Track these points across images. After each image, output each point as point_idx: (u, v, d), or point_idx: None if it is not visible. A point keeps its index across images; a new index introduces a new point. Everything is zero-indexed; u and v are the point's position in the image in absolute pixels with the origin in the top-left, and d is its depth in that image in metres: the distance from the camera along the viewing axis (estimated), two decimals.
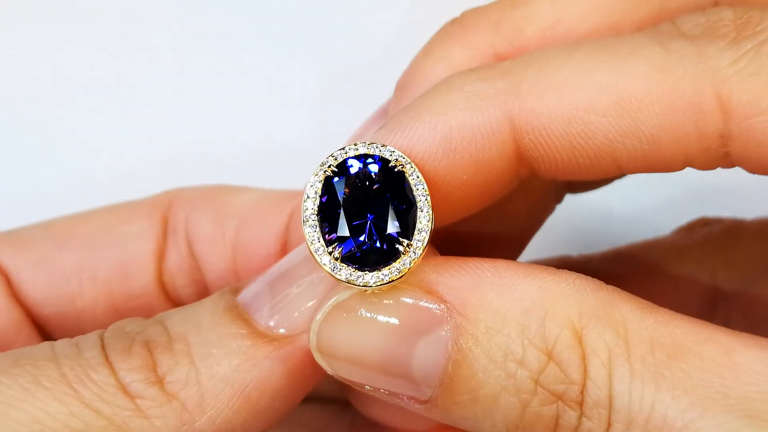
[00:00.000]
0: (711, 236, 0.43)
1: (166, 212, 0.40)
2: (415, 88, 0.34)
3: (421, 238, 0.29)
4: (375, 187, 0.29)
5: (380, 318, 0.29)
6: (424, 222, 0.30)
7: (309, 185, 0.29)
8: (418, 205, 0.30)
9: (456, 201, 0.31)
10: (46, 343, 0.31)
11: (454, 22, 0.35)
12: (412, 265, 0.29)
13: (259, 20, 0.60)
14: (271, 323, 0.31)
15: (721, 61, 0.28)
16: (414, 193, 0.30)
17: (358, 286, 0.29)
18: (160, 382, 0.29)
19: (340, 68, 0.59)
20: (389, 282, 0.29)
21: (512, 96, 0.29)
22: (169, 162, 0.57)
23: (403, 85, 0.35)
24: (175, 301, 0.40)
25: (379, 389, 0.30)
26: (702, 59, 0.28)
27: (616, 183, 0.40)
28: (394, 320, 0.29)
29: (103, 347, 0.30)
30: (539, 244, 0.41)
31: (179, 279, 0.40)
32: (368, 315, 0.29)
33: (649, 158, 0.29)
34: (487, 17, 0.34)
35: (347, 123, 0.38)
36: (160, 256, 0.39)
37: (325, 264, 0.29)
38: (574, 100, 0.29)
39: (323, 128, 0.57)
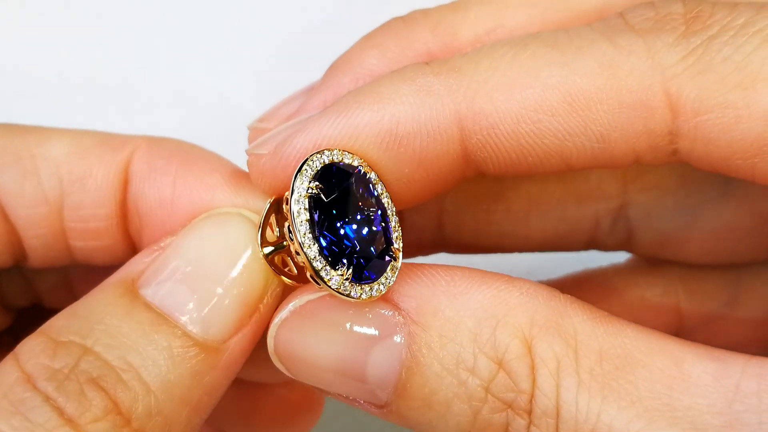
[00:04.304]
0: (674, 269, 0.42)
1: None
2: (344, 69, 0.34)
3: (399, 244, 0.30)
4: (354, 198, 0.30)
5: (335, 323, 0.29)
6: (396, 227, 0.31)
7: (296, 209, 0.29)
8: (388, 211, 0.30)
9: (396, 193, 0.31)
10: None
11: (398, 18, 0.36)
12: (399, 267, 0.30)
13: None
14: (205, 331, 0.30)
15: (669, 58, 0.28)
16: (382, 200, 0.30)
17: (362, 299, 0.29)
18: (128, 423, 0.28)
19: (284, 35, 0.61)
20: (386, 290, 0.29)
21: (461, 95, 0.30)
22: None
23: (334, 67, 0.35)
24: None
25: (336, 393, 0.30)
26: (650, 55, 0.28)
27: None
28: (348, 326, 0.29)
29: (49, 401, 0.27)
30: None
31: None
32: (324, 320, 0.29)
33: (599, 156, 0.30)
34: (429, 17, 0.35)
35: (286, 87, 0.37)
36: None
37: (333, 285, 0.29)
38: (522, 99, 0.29)
39: (264, 89, 0.57)
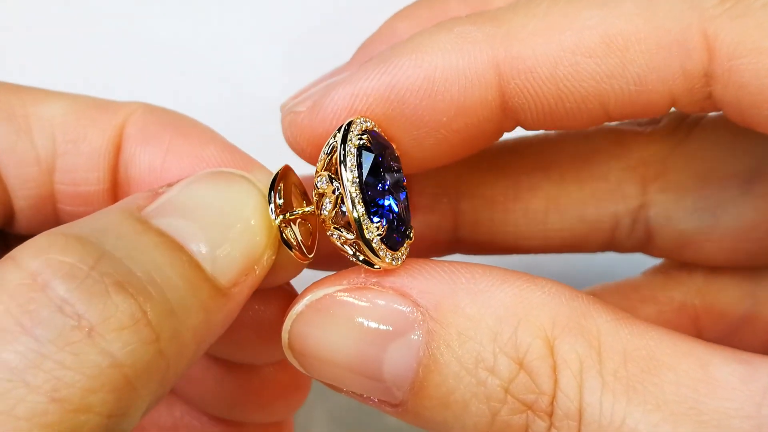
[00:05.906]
0: (690, 281, 0.42)
1: None
2: (377, 40, 0.34)
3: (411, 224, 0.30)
4: (390, 164, 0.29)
5: (352, 318, 0.28)
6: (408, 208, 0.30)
7: (348, 162, 0.28)
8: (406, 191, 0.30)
9: (432, 145, 0.31)
10: None
11: None
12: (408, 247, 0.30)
13: None
14: (213, 270, 0.28)
15: (708, 1, 0.28)
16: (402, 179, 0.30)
17: (384, 264, 0.28)
18: (157, 339, 0.24)
19: (285, 36, 0.61)
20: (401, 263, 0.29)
21: (498, 40, 0.29)
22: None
23: (367, 40, 0.35)
24: None
25: (350, 391, 0.29)
26: None
27: None
28: (365, 321, 0.28)
29: (63, 309, 0.23)
30: None
31: None
32: (341, 315, 0.29)
33: (636, 100, 0.30)
34: None
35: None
36: None
37: (368, 235, 0.28)
38: (560, 42, 0.29)
39: (264, 90, 0.58)
